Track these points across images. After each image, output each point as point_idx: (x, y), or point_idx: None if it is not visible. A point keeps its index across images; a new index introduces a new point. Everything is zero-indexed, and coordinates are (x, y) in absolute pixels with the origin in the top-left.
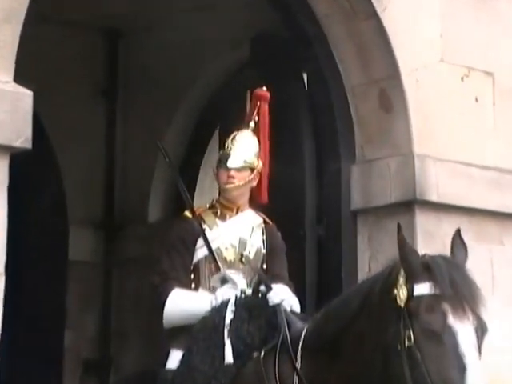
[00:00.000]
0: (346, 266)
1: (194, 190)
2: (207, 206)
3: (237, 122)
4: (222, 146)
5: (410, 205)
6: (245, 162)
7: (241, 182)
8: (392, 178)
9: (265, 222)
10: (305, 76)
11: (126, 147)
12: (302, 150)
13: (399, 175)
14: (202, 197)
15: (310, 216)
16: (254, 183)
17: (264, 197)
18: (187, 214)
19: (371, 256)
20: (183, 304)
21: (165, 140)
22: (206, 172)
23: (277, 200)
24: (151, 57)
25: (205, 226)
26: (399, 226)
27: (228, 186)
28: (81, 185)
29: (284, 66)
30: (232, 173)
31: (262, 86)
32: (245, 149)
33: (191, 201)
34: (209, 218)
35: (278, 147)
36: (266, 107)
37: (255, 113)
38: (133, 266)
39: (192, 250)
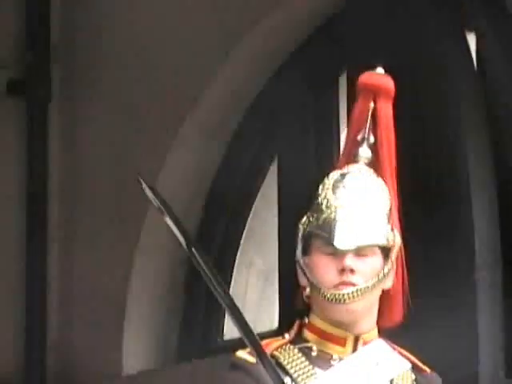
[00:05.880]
0: None
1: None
2: (286, 336)
3: (327, 146)
4: (310, 199)
5: None
6: (373, 235)
7: (370, 283)
8: None
9: (416, 367)
10: (471, 39)
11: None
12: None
13: None
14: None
15: None
16: (389, 282)
17: (398, 312)
18: (243, 355)
19: None
20: None
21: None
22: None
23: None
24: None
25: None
26: None
27: (344, 291)
28: None
29: (422, 19)
30: (348, 262)
31: (374, 67)
32: (367, 207)
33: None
34: (294, 361)
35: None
36: (388, 111)
37: (368, 125)
38: None
39: None
